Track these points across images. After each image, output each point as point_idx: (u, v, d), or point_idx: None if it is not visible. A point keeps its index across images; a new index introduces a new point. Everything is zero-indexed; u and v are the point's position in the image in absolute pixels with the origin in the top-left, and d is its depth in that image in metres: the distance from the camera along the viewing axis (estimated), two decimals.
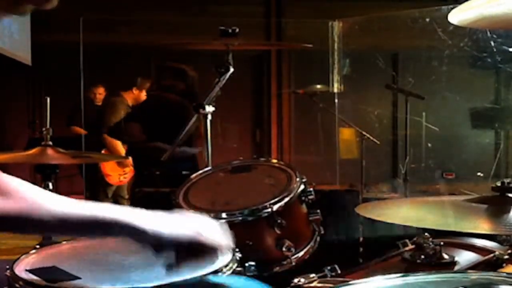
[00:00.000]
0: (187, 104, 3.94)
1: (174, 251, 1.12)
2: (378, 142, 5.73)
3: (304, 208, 1.93)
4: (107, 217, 1.08)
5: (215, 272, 1.33)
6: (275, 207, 1.79)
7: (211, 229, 1.18)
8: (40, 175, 2.25)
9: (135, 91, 5.33)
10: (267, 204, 1.79)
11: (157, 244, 1.11)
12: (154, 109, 4.48)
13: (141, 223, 1.09)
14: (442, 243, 1.67)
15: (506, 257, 1.62)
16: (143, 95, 5.29)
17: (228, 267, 1.37)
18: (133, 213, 1.11)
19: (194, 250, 1.14)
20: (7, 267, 1.33)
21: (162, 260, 1.14)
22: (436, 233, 1.62)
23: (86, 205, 1.10)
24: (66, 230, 1.11)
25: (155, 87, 5.03)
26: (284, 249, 1.80)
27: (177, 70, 4.47)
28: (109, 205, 1.12)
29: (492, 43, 5.05)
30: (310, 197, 1.92)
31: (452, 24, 1.54)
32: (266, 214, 1.78)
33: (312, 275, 1.57)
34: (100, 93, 6.57)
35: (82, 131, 6.37)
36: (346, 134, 6.59)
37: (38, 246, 1.52)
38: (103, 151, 5.04)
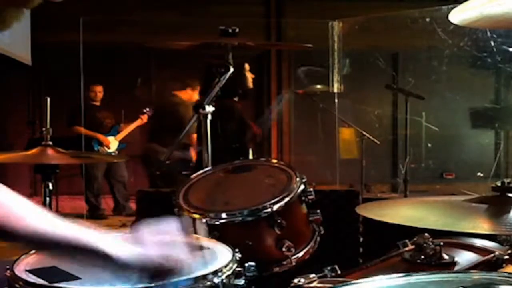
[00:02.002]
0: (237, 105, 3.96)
1: (140, 274, 1.16)
2: (378, 142, 5.73)
3: (304, 208, 1.93)
4: (79, 241, 1.11)
5: (215, 272, 1.33)
6: (275, 207, 1.79)
7: (174, 252, 1.20)
8: (40, 175, 2.25)
9: (189, 91, 5.31)
10: (267, 204, 1.79)
11: (122, 270, 1.15)
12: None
13: (108, 248, 1.12)
14: (442, 243, 1.67)
15: (506, 257, 1.62)
16: (196, 95, 5.27)
17: (228, 267, 1.37)
18: (100, 237, 1.14)
19: (159, 273, 1.17)
20: (7, 267, 1.33)
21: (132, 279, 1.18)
22: (436, 233, 1.62)
23: (62, 226, 1.12)
24: (35, 245, 1.17)
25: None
26: (284, 249, 1.80)
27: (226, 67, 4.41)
28: (86, 229, 1.14)
29: (492, 43, 5.05)
30: (310, 197, 1.92)
31: (452, 24, 1.54)
32: (266, 214, 1.78)
33: (312, 275, 1.57)
34: (99, 91, 6.57)
35: (83, 131, 6.38)
36: (346, 134, 6.59)
37: None
38: None
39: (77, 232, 1.12)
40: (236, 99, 4.02)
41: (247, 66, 4.19)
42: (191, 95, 5.34)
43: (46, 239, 1.09)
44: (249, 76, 4.15)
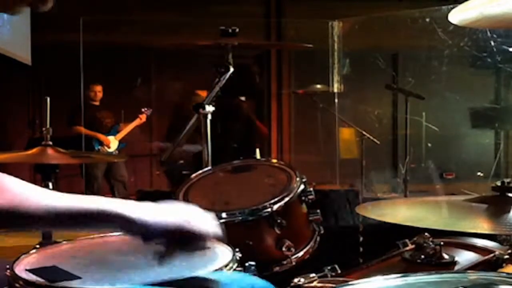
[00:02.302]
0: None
1: (163, 239, 1.14)
2: (378, 142, 5.73)
3: (304, 208, 1.93)
4: (94, 208, 1.09)
5: (215, 272, 1.33)
6: (275, 207, 1.79)
7: (199, 218, 1.19)
8: (40, 175, 2.25)
9: None
10: (267, 204, 1.79)
11: (145, 233, 1.12)
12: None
13: (128, 212, 1.10)
14: (442, 243, 1.67)
15: (506, 257, 1.62)
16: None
17: (228, 267, 1.37)
18: (120, 203, 1.12)
19: (182, 238, 1.15)
20: (7, 266, 1.33)
21: (153, 251, 1.16)
22: (436, 233, 1.62)
23: (73, 197, 1.11)
24: (53, 222, 1.11)
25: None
26: (284, 249, 1.80)
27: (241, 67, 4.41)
28: (97, 197, 1.13)
29: (492, 43, 5.05)
30: (310, 197, 1.92)
31: (452, 24, 1.54)
32: (266, 214, 1.78)
33: (312, 275, 1.57)
34: (99, 91, 6.56)
35: (83, 131, 6.37)
36: (346, 134, 6.59)
37: (38, 246, 1.51)
38: None
39: (95, 201, 1.11)
40: (243, 98, 4.02)
41: (254, 66, 4.20)
42: None
43: (63, 213, 1.07)
44: (257, 76, 4.16)
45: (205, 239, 1.18)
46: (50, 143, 2.21)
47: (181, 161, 3.69)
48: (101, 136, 6.48)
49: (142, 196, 2.93)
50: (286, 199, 1.83)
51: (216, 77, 2.56)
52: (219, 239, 1.24)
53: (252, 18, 7.69)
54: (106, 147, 6.48)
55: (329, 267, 1.70)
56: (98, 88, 6.56)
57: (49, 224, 1.16)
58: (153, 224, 1.11)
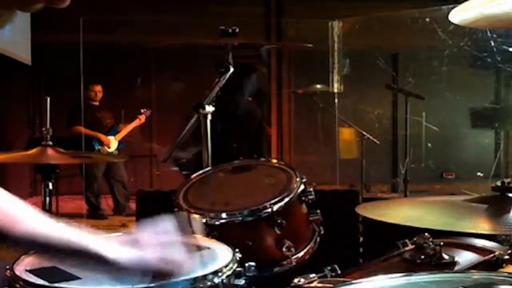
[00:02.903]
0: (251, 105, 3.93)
1: (138, 276, 1.16)
2: (378, 142, 5.73)
3: (304, 208, 1.93)
4: (75, 244, 1.11)
5: (215, 272, 1.33)
6: (275, 207, 1.79)
7: (172, 253, 1.20)
8: (40, 175, 2.25)
9: None
10: (267, 204, 1.79)
11: (121, 272, 1.14)
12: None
13: (106, 251, 1.12)
14: (442, 243, 1.67)
15: (506, 257, 1.62)
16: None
17: (228, 267, 1.37)
18: (100, 242, 1.14)
19: (157, 275, 1.17)
20: (7, 267, 1.32)
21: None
22: (436, 233, 1.62)
23: (59, 228, 1.11)
24: (28, 247, 1.16)
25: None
26: (284, 249, 1.80)
27: (248, 67, 4.39)
28: (82, 232, 1.14)
29: (492, 43, 5.06)
30: (310, 197, 1.92)
31: (452, 24, 1.54)
32: (266, 214, 1.78)
33: (312, 275, 1.57)
34: (98, 91, 6.57)
35: (83, 131, 6.38)
36: (346, 134, 6.60)
37: None
38: None
39: (75, 235, 1.12)
40: (250, 98, 4.01)
41: (260, 66, 4.19)
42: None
43: (43, 243, 1.08)
44: (263, 76, 4.14)
45: (179, 272, 1.20)
46: (50, 143, 2.21)
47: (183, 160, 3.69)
48: (101, 136, 6.48)
49: (142, 196, 2.93)
50: (286, 199, 1.82)
51: (216, 77, 2.56)
52: (191, 270, 1.25)
53: (252, 18, 7.70)
54: (106, 147, 6.48)
55: (329, 267, 1.70)
56: (98, 88, 6.56)
57: (24, 247, 1.19)
58: (128, 265, 1.13)
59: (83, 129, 6.37)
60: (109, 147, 6.50)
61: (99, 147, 6.46)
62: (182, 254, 1.21)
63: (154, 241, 1.20)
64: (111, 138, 6.55)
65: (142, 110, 6.71)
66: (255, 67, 4.25)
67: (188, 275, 1.23)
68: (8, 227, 1.05)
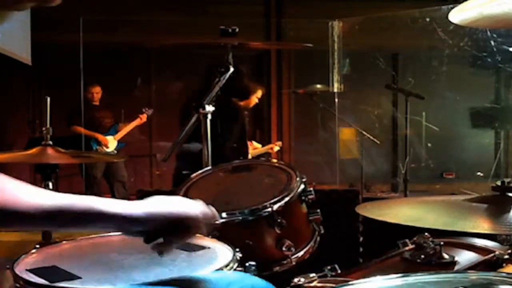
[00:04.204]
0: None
1: (155, 230, 1.13)
2: (378, 142, 5.73)
3: (304, 208, 1.93)
4: (86, 207, 1.09)
5: (216, 271, 1.33)
6: (275, 207, 1.79)
7: (189, 205, 1.19)
8: (40, 174, 2.25)
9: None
10: (267, 204, 1.79)
11: (136, 226, 1.12)
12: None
13: (116, 209, 1.10)
14: (442, 243, 1.67)
15: (506, 257, 1.62)
16: (254, 100, 5.19)
17: (228, 267, 1.37)
18: (112, 202, 1.12)
19: (176, 226, 1.15)
20: (8, 266, 1.33)
21: (152, 246, 1.15)
22: (436, 233, 1.62)
23: (65, 196, 1.10)
24: (45, 222, 1.10)
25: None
26: (284, 249, 1.80)
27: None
28: (91, 196, 1.12)
29: (492, 43, 5.06)
30: (310, 197, 1.92)
31: (452, 24, 1.54)
32: (266, 214, 1.78)
33: (312, 275, 1.57)
34: (97, 92, 6.56)
35: (84, 131, 6.37)
36: (346, 134, 6.60)
37: (38, 246, 1.52)
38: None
39: (88, 200, 1.10)
40: (236, 99, 4.01)
41: (243, 66, 4.17)
42: (249, 99, 5.19)
43: (55, 212, 1.06)
44: (246, 77, 4.12)
45: (198, 225, 1.18)
46: (50, 143, 2.21)
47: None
48: (99, 136, 6.47)
49: (142, 196, 2.93)
50: (286, 199, 1.83)
51: (216, 77, 2.56)
52: (212, 223, 1.24)
53: (252, 18, 7.70)
54: (104, 147, 6.48)
55: (329, 267, 1.70)
56: (96, 90, 6.54)
57: (40, 224, 1.14)
58: (141, 216, 1.11)
59: (81, 129, 6.37)
60: (107, 147, 6.49)
61: (97, 147, 6.46)
62: (201, 209, 1.19)
63: (167, 199, 1.18)
64: (110, 138, 6.54)
65: (143, 109, 6.68)
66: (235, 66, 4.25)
67: (198, 233, 1.20)
68: (12, 201, 1.04)
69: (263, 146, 5.70)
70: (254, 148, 5.51)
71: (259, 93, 5.19)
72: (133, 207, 1.12)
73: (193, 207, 1.19)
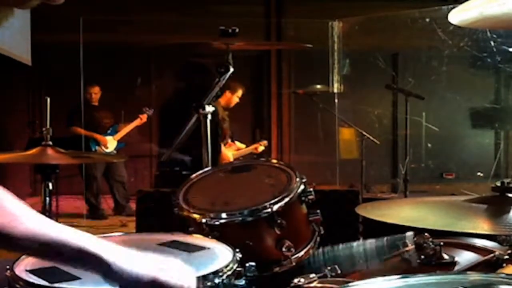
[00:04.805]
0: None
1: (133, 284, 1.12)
2: (378, 142, 5.73)
3: (304, 208, 1.93)
4: (76, 244, 1.08)
5: (216, 272, 1.33)
6: (275, 207, 1.79)
7: (176, 270, 1.16)
8: (40, 175, 2.25)
9: (227, 94, 5.18)
10: (267, 204, 1.79)
11: (119, 280, 1.10)
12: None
13: (108, 257, 1.09)
14: (442, 243, 1.67)
15: (506, 257, 1.62)
16: (235, 99, 5.19)
17: (228, 267, 1.37)
18: (103, 246, 1.11)
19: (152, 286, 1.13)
20: (7, 267, 1.33)
21: None
22: (436, 233, 1.62)
23: (60, 229, 1.09)
24: (33, 250, 1.10)
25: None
26: (284, 249, 1.80)
27: (201, 67, 4.35)
28: (84, 234, 1.11)
29: (492, 43, 5.06)
30: (310, 197, 1.92)
31: (452, 24, 1.54)
32: (266, 214, 1.78)
33: (312, 275, 1.57)
34: (95, 92, 6.55)
35: (83, 131, 6.37)
36: (346, 134, 6.60)
37: None
38: None
39: (74, 235, 1.09)
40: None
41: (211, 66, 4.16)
42: (229, 98, 5.18)
43: (44, 242, 1.06)
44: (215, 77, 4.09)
45: None
46: (50, 143, 2.21)
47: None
48: (98, 136, 6.47)
49: (142, 196, 2.93)
50: (286, 199, 1.82)
51: (216, 77, 2.56)
52: None
53: (252, 18, 7.70)
54: (103, 147, 6.48)
55: (329, 267, 1.70)
56: (95, 90, 6.55)
57: (28, 251, 1.15)
58: (128, 273, 1.09)
59: (80, 130, 6.37)
60: (106, 147, 6.49)
61: (96, 147, 6.46)
62: (186, 274, 1.16)
63: (155, 256, 1.16)
64: (109, 138, 6.54)
65: (144, 109, 6.66)
66: (207, 66, 4.24)
67: None
68: (9, 226, 1.04)
69: (247, 146, 5.64)
70: (237, 149, 5.44)
71: (239, 92, 5.19)
72: (123, 258, 1.10)
73: (180, 275, 1.15)
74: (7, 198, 1.07)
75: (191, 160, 3.77)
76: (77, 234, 1.10)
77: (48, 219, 1.11)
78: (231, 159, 4.82)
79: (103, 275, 1.11)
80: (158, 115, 4.85)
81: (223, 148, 4.68)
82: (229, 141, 5.19)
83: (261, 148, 5.74)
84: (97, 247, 1.09)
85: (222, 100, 4.95)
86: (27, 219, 1.06)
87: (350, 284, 1.10)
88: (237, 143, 5.46)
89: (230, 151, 5.10)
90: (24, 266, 1.35)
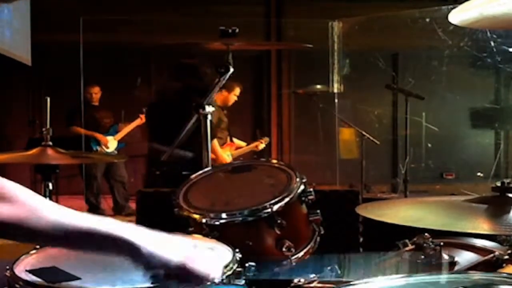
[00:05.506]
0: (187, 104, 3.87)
1: (163, 272, 1.12)
2: (378, 142, 5.73)
3: (304, 208, 1.93)
4: (103, 230, 1.08)
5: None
6: (275, 207, 1.79)
7: (203, 258, 1.17)
8: (40, 175, 2.24)
9: (224, 92, 5.14)
10: (267, 204, 1.79)
11: (147, 264, 1.11)
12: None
13: (136, 240, 1.09)
14: (442, 243, 1.67)
15: (506, 257, 1.62)
16: (232, 98, 5.15)
17: (228, 267, 1.37)
18: (129, 229, 1.10)
19: (182, 276, 1.13)
20: (7, 267, 1.32)
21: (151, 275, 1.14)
22: (436, 233, 1.62)
23: (82, 216, 1.09)
24: (60, 240, 1.09)
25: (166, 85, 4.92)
26: (284, 249, 1.80)
27: (191, 67, 4.33)
28: (108, 219, 1.11)
29: (492, 43, 5.06)
30: (310, 197, 1.92)
31: (452, 24, 1.54)
32: (266, 214, 1.78)
33: (312, 275, 1.57)
34: (95, 92, 6.55)
35: (83, 131, 6.37)
36: (346, 134, 6.60)
37: (38, 246, 1.51)
38: None
39: (105, 223, 1.09)
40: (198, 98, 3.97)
41: (203, 66, 4.15)
42: (226, 97, 5.15)
43: (71, 231, 1.05)
44: (207, 77, 4.07)
45: (203, 281, 1.15)
46: (50, 143, 2.21)
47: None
48: (99, 136, 6.47)
49: (142, 196, 2.93)
50: (286, 199, 1.82)
51: (216, 77, 2.56)
52: (218, 279, 1.21)
53: (252, 18, 7.69)
54: (104, 147, 6.47)
55: (329, 267, 1.70)
56: (95, 90, 6.54)
57: (55, 241, 1.13)
58: (157, 257, 1.10)
59: (80, 129, 6.36)
60: (107, 147, 6.49)
61: (97, 147, 6.45)
62: (212, 262, 1.17)
63: (187, 243, 1.16)
64: (109, 138, 6.54)
65: (144, 109, 6.65)
66: (197, 67, 4.23)
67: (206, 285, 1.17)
68: (34, 218, 1.04)
69: (248, 144, 5.59)
70: (237, 147, 5.39)
71: (236, 91, 5.16)
72: (150, 241, 1.10)
73: (206, 262, 1.16)
74: (27, 192, 1.07)
75: (188, 160, 3.76)
76: (103, 220, 1.10)
77: (71, 210, 1.10)
78: (228, 161, 4.80)
79: (132, 259, 1.10)
80: (147, 114, 4.82)
81: (220, 150, 4.65)
82: (228, 140, 5.18)
83: (262, 146, 5.70)
84: (125, 231, 1.09)
85: (219, 99, 4.92)
86: (50, 211, 1.07)
87: (351, 283, 1.10)
88: (236, 141, 5.43)
89: (227, 152, 5.07)
90: (24, 266, 1.35)
